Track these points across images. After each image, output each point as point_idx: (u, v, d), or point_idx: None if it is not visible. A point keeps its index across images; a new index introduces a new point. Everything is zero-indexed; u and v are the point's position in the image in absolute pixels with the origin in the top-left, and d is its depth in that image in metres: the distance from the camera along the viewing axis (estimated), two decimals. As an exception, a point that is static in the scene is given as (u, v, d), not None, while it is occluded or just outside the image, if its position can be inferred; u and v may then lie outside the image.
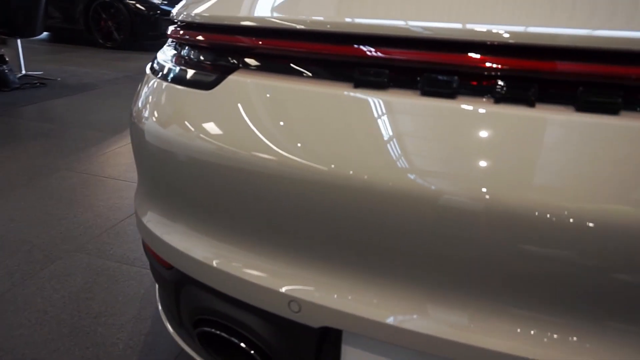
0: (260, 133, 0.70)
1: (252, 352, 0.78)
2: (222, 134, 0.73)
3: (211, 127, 0.74)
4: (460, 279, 0.63)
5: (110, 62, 5.90)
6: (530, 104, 0.59)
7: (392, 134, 0.62)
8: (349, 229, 0.65)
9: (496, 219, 0.57)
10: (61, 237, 1.93)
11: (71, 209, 2.17)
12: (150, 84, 0.90)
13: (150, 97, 0.88)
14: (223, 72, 0.76)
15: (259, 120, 0.70)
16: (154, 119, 0.84)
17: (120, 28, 6.79)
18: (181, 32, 0.83)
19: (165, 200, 0.86)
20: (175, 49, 0.89)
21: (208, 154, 0.74)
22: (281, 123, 0.69)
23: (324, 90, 0.68)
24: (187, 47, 0.84)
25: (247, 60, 0.75)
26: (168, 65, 0.87)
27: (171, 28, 0.95)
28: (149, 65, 1.05)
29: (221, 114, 0.74)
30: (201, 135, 0.75)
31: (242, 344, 0.79)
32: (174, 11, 0.91)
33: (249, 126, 0.71)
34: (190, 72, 0.81)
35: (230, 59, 0.76)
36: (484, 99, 0.61)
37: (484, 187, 0.58)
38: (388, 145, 0.62)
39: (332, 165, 0.64)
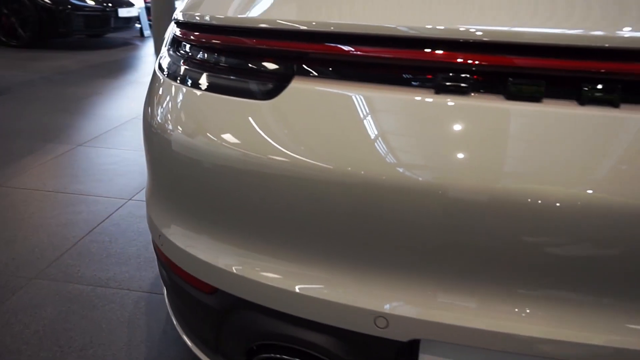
0: (338, 143, 0.64)
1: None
2: (290, 145, 0.66)
3: (276, 138, 0.67)
4: (551, 274, 0.62)
5: (20, 63, 5.36)
6: (615, 104, 0.59)
7: (486, 139, 0.60)
8: (449, 239, 0.62)
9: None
10: (15, 264, 1.71)
11: (19, 230, 1.93)
12: (174, 92, 0.81)
13: (180, 107, 0.78)
14: (281, 80, 0.69)
15: (335, 130, 0.65)
16: (189, 130, 0.76)
17: (26, 24, 6.18)
18: (217, 36, 0.74)
19: (206, 217, 0.78)
20: (203, 53, 0.79)
21: (272, 166, 0.67)
22: (359, 132, 0.64)
23: (404, 97, 0.63)
24: (227, 53, 0.75)
25: (310, 66, 0.69)
26: (199, 72, 0.78)
27: (180, 30, 0.85)
28: (156, 68, 0.94)
29: (287, 124, 0.67)
30: (263, 147, 0.68)
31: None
32: (191, 13, 0.81)
33: (324, 136, 0.65)
34: (236, 81, 0.73)
35: (289, 65, 0.69)
36: (570, 102, 0.60)
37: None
38: (482, 150, 0.60)
39: (435, 176, 0.60)
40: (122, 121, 3.42)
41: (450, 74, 0.62)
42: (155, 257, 1.09)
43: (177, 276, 0.89)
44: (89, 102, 3.91)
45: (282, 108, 0.68)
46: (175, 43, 0.93)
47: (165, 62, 0.91)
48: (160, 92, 0.87)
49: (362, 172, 0.63)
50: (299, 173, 0.66)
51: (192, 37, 0.81)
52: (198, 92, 0.77)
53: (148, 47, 7.07)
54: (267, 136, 0.68)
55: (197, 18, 0.79)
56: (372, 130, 0.63)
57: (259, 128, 0.69)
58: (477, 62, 0.61)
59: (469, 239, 0.61)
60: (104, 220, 2.03)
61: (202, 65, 0.79)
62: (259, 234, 0.73)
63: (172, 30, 1.01)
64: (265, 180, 0.69)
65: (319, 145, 0.65)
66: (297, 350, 0.76)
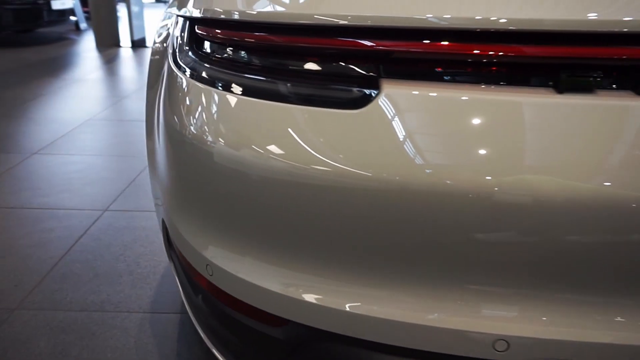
0: (449, 153, 0.57)
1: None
2: (391, 159, 0.59)
3: (374, 151, 0.59)
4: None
5: (-56, 65, 4.86)
6: None
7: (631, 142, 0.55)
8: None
9: None
10: (-9, 294, 1.52)
11: (-15, 255, 1.73)
12: (214, 100, 0.71)
13: (229, 116, 0.69)
14: (368, 85, 0.61)
15: (446, 139, 0.58)
16: (247, 142, 0.67)
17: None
18: (276, 36, 0.65)
19: (272, 243, 0.69)
20: (257, 56, 0.70)
21: (371, 183, 0.59)
22: (473, 140, 0.57)
23: (519, 99, 0.57)
24: (293, 56, 0.66)
25: (403, 69, 0.61)
26: (254, 78, 0.69)
27: (207, 28, 0.75)
28: (176, 71, 0.83)
29: (386, 135, 0.59)
30: (356, 163, 0.60)
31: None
32: (236, 9, 0.71)
33: (430, 147, 0.58)
34: (307, 87, 0.64)
35: (375, 68, 0.61)
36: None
37: None
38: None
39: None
40: (76, 124, 3.17)
41: (576, 70, 0.56)
42: (183, 280, 0.99)
43: (230, 309, 0.79)
44: (34, 105, 3.60)
45: (375, 118, 0.60)
46: (200, 42, 0.82)
47: (191, 64, 0.80)
48: (192, 99, 0.76)
49: (495, 188, 0.56)
50: (404, 189, 0.59)
51: (237, 37, 0.70)
52: (255, 101, 0.68)
53: (87, 42, 6.63)
54: (363, 150, 0.60)
55: (249, 15, 0.68)
56: (494, 140, 0.56)
57: (351, 141, 0.60)
58: (608, 56, 0.55)
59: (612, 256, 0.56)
60: (81, 236, 1.85)
61: (256, 70, 0.70)
62: (345, 260, 0.65)
63: (181, 26, 0.90)
64: (355, 197, 0.61)
65: (428, 158, 0.58)
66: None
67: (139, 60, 5.48)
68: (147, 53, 5.89)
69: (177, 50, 0.88)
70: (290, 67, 0.67)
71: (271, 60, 0.70)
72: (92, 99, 3.79)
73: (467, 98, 0.58)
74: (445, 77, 0.60)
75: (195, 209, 0.79)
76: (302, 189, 0.63)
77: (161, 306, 1.48)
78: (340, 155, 0.60)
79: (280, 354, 0.75)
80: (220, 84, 0.72)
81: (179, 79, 0.81)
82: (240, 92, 0.70)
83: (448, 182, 0.56)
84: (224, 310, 0.81)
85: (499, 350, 0.61)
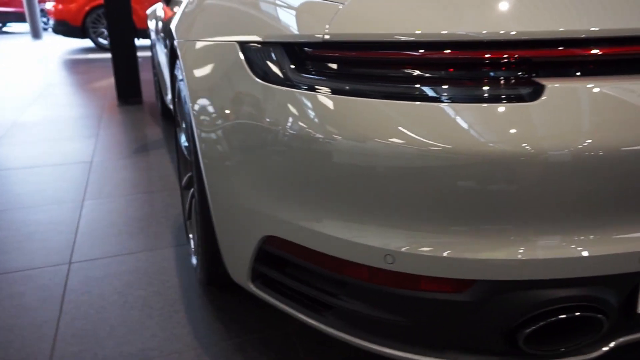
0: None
1: (600, 316, 0.90)
2: (562, 140, 0.81)
3: (549, 136, 0.81)
4: None
5: None
6: None
7: None
8: None
9: None
10: (0, 375, 1.30)
11: (-45, 337, 1.44)
12: (391, 109, 0.86)
13: (406, 119, 0.85)
14: (536, 83, 0.83)
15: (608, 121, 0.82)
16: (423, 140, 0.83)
17: None
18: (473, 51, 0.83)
19: (448, 218, 0.86)
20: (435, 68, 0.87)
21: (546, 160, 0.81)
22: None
23: None
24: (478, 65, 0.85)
25: (563, 68, 0.84)
26: (415, 87, 0.86)
27: (340, 51, 0.90)
28: (294, 91, 0.93)
29: (555, 121, 0.81)
30: (537, 147, 0.81)
31: (591, 314, 0.89)
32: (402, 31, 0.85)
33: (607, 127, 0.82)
34: (490, 88, 0.83)
35: (533, 69, 0.84)
36: None
37: None
38: None
39: None
40: (-48, 179, 2.68)
41: None
42: (308, 289, 1.05)
43: (411, 290, 0.92)
44: None
45: (549, 107, 0.81)
46: (332, 62, 0.92)
47: (326, 83, 0.91)
48: (347, 114, 0.88)
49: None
50: (575, 162, 0.81)
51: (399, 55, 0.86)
52: (420, 104, 0.84)
53: None
54: (542, 135, 0.81)
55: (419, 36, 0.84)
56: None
57: (533, 127, 0.81)
58: None
59: None
60: (64, 293, 1.66)
61: (414, 80, 0.86)
62: (529, 221, 0.85)
63: (277, 51, 0.98)
64: (539, 168, 0.81)
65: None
66: (562, 309, 0.90)
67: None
68: (-19, 93, 5.08)
69: (292, 72, 0.96)
70: (449, 74, 0.85)
71: (431, 72, 0.87)
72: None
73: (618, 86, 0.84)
74: (602, 71, 0.85)
75: (369, 209, 0.90)
76: (479, 167, 0.81)
77: (209, 339, 1.45)
78: (522, 139, 0.80)
79: (465, 317, 0.91)
80: (387, 93, 0.86)
81: (301, 93, 0.92)
82: (409, 98, 0.85)
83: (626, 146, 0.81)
84: (402, 295, 0.93)
85: None
